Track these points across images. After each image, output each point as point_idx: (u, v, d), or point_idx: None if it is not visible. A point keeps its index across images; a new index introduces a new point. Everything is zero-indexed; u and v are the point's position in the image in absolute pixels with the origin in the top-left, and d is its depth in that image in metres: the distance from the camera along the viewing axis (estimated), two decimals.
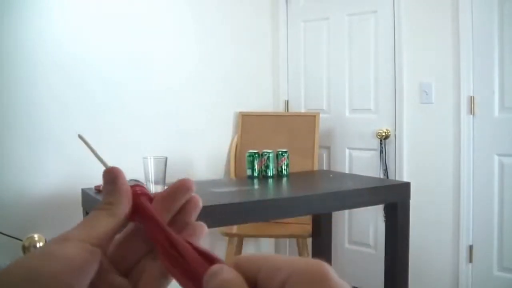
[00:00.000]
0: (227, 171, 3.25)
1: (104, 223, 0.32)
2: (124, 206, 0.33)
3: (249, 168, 2.47)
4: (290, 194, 2.30)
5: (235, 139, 3.24)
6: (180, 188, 0.35)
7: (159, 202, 0.35)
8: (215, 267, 0.28)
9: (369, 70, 3.07)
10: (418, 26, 2.85)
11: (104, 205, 0.33)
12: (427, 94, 2.82)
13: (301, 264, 0.26)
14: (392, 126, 2.98)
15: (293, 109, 3.46)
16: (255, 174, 2.45)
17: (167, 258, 0.32)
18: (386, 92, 3.00)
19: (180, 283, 0.31)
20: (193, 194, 0.36)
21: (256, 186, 2.38)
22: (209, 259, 0.30)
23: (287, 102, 3.51)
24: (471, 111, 2.66)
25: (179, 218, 0.35)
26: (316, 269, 0.26)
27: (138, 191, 0.35)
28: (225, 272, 0.27)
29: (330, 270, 0.26)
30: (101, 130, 2.76)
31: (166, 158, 1.81)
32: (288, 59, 3.50)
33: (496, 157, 2.60)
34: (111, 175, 0.34)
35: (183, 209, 0.35)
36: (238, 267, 0.28)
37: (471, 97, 2.65)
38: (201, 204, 0.36)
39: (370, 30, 3.06)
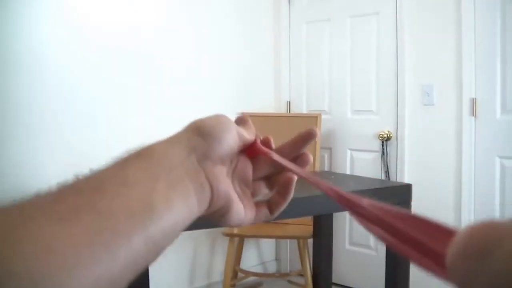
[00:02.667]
0: None
1: (244, 133, 0.43)
2: (253, 134, 0.44)
3: None
4: None
5: None
6: (306, 136, 0.45)
7: (292, 142, 0.46)
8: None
9: (371, 71, 3.07)
10: (420, 28, 2.85)
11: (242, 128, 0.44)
12: (428, 96, 2.82)
13: None
14: (394, 127, 2.98)
15: (294, 110, 3.47)
16: None
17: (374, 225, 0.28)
18: (388, 93, 3.00)
19: (412, 258, 0.25)
20: (304, 151, 0.46)
21: None
22: (435, 228, 0.24)
23: (288, 103, 3.51)
24: (473, 113, 2.66)
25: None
26: None
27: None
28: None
29: None
30: (102, 129, 2.76)
31: None
32: (290, 60, 3.50)
33: (497, 159, 2.60)
34: (245, 118, 0.45)
35: (296, 162, 0.45)
36: None
37: (473, 99, 2.65)
38: (311, 160, 0.46)
39: (372, 32, 3.06)
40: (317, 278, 2.67)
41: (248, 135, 0.44)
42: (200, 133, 0.40)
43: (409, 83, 2.90)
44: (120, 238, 0.30)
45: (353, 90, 3.17)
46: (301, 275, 2.77)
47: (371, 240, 3.10)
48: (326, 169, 3.26)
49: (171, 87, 3.02)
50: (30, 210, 0.29)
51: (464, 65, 2.65)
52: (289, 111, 3.48)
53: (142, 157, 0.36)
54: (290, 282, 2.96)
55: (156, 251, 0.33)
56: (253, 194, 0.45)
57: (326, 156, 3.29)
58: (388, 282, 2.18)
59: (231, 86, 3.29)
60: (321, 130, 3.06)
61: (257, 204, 0.45)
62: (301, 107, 3.44)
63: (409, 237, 0.25)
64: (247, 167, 0.45)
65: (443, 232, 0.24)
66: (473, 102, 2.65)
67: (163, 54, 2.99)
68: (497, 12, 2.55)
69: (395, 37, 2.94)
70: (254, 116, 3.24)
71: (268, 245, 3.54)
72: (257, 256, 3.47)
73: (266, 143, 0.46)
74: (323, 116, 3.12)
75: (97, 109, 2.74)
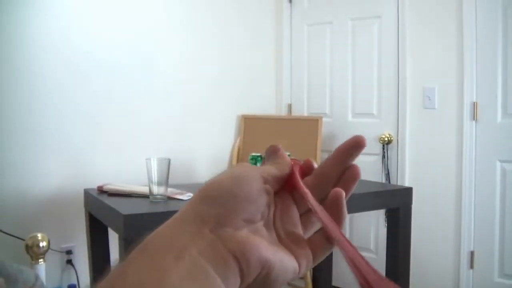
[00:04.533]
0: None
1: (274, 171, 0.38)
2: (286, 166, 0.40)
3: None
4: None
5: (238, 142, 3.25)
6: (353, 145, 0.40)
7: (335, 158, 0.40)
8: None
9: (372, 74, 3.08)
10: (422, 31, 2.85)
11: (272, 163, 0.40)
12: (430, 100, 2.82)
13: None
14: (395, 131, 2.98)
15: (295, 112, 3.47)
16: None
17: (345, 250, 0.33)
18: (389, 97, 3.00)
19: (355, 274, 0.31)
20: (354, 163, 0.41)
21: None
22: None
23: (290, 106, 3.51)
24: (474, 116, 2.66)
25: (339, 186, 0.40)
26: None
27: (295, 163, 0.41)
28: None
29: None
30: (105, 131, 2.76)
31: (169, 160, 1.81)
32: (291, 63, 3.50)
33: (498, 163, 2.60)
34: (276, 147, 0.42)
35: (342, 179, 0.41)
36: None
37: (474, 102, 2.65)
38: (360, 174, 0.41)
39: (373, 35, 3.06)
40: (317, 280, 2.67)
41: (280, 169, 0.39)
42: (207, 201, 0.34)
43: (410, 86, 2.90)
44: None
45: (354, 93, 3.17)
46: (301, 277, 2.76)
47: (372, 242, 3.10)
48: None
49: (173, 89, 3.03)
50: None
51: (465, 68, 2.66)
52: (290, 114, 3.48)
53: (144, 250, 0.31)
54: (289, 284, 2.96)
55: None
56: (305, 230, 0.40)
57: None
58: None
59: (232, 88, 3.30)
60: (322, 133, 3.07)
61: (311, 240, 0.38)
62: (302, 110, 3.44)
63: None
64: (289, 206, 0.39)
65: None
66: (474, 105, 2.65)
67: (164, 56, 3.00)
68: (499, 16, 2.56)
69: (396, 40, 2.95)
70: (255, 118, 3.25)
71: None
72: None
73: (308, 167, 0.41)
74: (324, 119, 3.12)
75: (98, 110, 2.75)
